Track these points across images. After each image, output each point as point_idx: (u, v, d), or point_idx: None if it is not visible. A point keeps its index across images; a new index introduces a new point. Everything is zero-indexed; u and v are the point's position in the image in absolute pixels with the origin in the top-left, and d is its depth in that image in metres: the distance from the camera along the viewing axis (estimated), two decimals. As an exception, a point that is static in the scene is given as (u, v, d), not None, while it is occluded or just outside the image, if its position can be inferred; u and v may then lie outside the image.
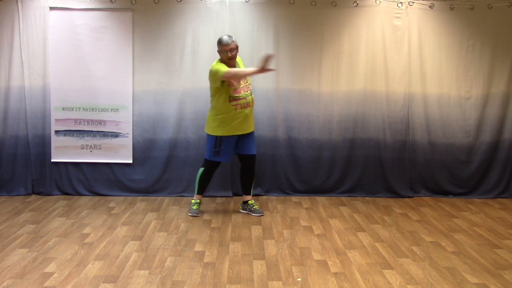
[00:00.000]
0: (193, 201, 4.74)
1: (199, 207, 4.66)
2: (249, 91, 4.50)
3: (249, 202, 4.72)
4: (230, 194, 5.27)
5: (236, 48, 4.40)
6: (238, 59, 4.57)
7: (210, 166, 4.65)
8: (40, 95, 5.14)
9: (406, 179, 5.36)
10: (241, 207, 4.78)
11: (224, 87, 4.37)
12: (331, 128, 5.31)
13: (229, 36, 4.40)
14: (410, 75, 5.29)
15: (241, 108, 4.43)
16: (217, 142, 4.51)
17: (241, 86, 4.44)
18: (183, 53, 5.16)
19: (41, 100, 5.15)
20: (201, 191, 4.73)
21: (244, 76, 4.43)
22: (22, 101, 5.14)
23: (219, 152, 4.54)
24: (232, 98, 4.40)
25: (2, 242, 3.83)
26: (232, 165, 5.17)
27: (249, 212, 4.69)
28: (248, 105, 4.47)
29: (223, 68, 4.30)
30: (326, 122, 5.30)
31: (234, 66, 4.43)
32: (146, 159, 5.27)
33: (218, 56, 4.66)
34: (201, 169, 4.68)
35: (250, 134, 4.62)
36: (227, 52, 4.35)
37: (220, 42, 4.38)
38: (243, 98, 4.43)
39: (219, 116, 4.47)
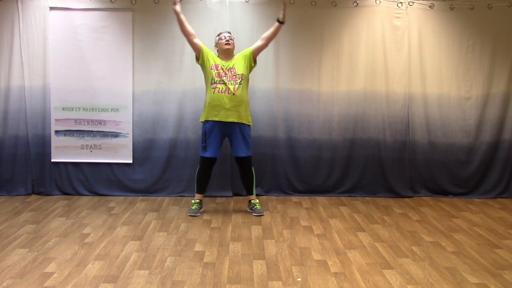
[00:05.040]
0: (193, 201, 4.74)
1: (198, 207, 4.66)
2: (232, 81, 4.49)
3: (252, 201, 4.73)
4: (230, 194, 5.27)
5: (230, 39, 4.60)
6: (237, 55, 4.62)
7: (202, 163, 4.66)
8: (40, 95, 5.14)
9: (406, 179, 5.36)
10: (248, 207, 4.81)
11: (206, 70, 4.56)
12: (331, 128, 5.31)
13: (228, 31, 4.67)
14: (410, 75, 5.29)
15: (219, 92, 4.47)
16: (203, 135, 4.59)
17: (221, 72, 4.50)
18: (183, 53, 5.16)
19: (41, 100, 5.15)
20: (199, 190, 4.74)
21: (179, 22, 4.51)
22: (22, 101, 5.14)
23: (206, 147, 4.58)
24: (213, 81, 4.51)
25: (2, 242, 3.83)
26: (232, 165, 5.18)
27: (250, 211, 4.70)
28: (228, 91, 4.47)
29: (204, 50, 4.60)
30: (326, 122, 5.31)
31: (230, 55, 4.60)
32: (146, 159, 5.27)
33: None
34: (198, 167, 4.72)
35: (239, 132, 4.55)
36: (225, 38, 4.56)
37: (218, 34, 4.68)
38: (223, 83, 4.48)
39: (205, 100, 4.61)
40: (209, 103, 4.53)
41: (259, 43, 4.62)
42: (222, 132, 4.59)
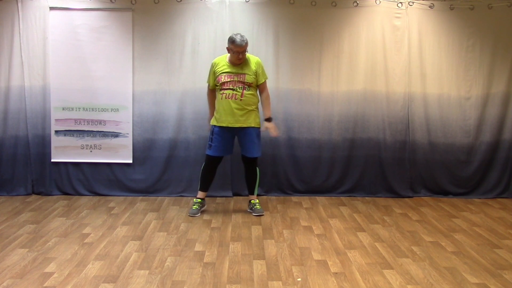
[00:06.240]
0: (194, 200, 4.74)
1: (199, 207, 4.66)
2: (240, 86, 4.46)
3: (252, 201, 4.74)
4: (230, 194, 5.27)
5: (243, 52, 4.43)
6: (256, 61, 4.56)
7: (206, 160, 4.67)
8: (40, 95, 5.14)
9: (406, 179, 5.36)
10: (248, 207, 4.81)
11: (216, 83, 4.57)
12: (331, 128, 5.31)
13: (242, 37, 4.39)
14: (410, 75, 5.29)
15: (226, 98, 4.46)
16: (211, 134, 4.61)
17: (228, 80, 4.46)
18: (183, 53, 5.16)
19: (41, 100, 5.15)
20: (202, 187, 4.73)
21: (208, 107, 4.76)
22: (22, 101, 5.14)
23: (211, 145, 4.59)
24: (222, 88, 4.50)
25: (2, 242, 3.83)
26: (232, 165, 5.18)
27: (250, 211, 4.70)
28: (234, 97, 4.46)
29: (210, 77, 4.61)
30: (326, 122, 5.31)
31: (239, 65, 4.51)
32: (146, 159, 5.27)
33: (218, 54, 4.68)
34: (203, 164, 4.74)
35: (247, 134, 4.55)
36: (238, 53, 4.40)
37: (233, 42, 4.37)
38: (230, 89, 4.46)
39: (216, 104, 4.61)
40: (218, 108, 4.55)
41: (260, 91, 4.65)
42: (231, 135, 4.59)
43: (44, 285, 3.11)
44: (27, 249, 3.68)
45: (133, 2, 5.10)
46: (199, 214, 4.62)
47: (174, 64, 5.17)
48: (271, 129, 4.63)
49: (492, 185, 5.43)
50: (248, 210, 4.75)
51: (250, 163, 4.67)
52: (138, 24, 5.13)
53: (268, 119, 4.61)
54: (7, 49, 5.11)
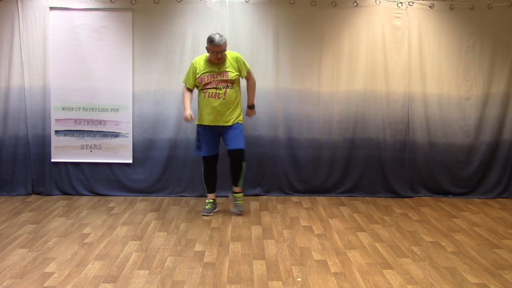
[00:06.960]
0: (206, 201, 4.76)
1: (211, 207, 4.67)
2: (224, 85, 4.44)
3: (235, 194, 4.72)
4: (230, 194, 5.26)
5: (222, 51, 4.39)
6: (234, 56, 4.53)
7: (204, 162, 4.68)
8: (40, 95, 5.14)
9: (406, 179, 5.36)
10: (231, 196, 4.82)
11: (197, 83, 4.55)
12: (331, 128, 5.31)
13: (220, 36, 4.36)
14: (410, 75, 5.29)
15: (209, 96, 4.46)
16: (197, 135, 4.63)
17: (211, 80, 4.45)
18: (183, 53, 5.16)
19: (41, 100, 5.15)
20: (208, 190, 4.76)
21: (183, 102, 4.60)
22: (22, 101, 5.14)
23: (200, 146, 4.61)
24: (204, 87, 4.49)
25: (2, 242, 3.83)
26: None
27: (233, 203, 4.71)
28: (217, 96, 4.44)
29: (189, 77, 4.55)
30: (326, 122, 5.31)
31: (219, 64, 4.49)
32: (146, 159, 5.27)
33: None
34: (202, 168, 4.74)
35: (231, 129, 4.52)
36: (217, 53, 4.38)
37: (211, 41, 4.35)
38: (213, 88, 4.45)
39: (198, 103, 4.63)
40: (200, 107, 4.56)
41: (247, 80, 4.65)
42: (215, 133, 4.59)
43: (44, 285, 3.11)
44: (27, 249, 3.68)
45: (133, 2, 5.10)
46: (212, 214, 4.63)
47: (174, 64, 5.17)
48: (251, 115, 4.76)
49: (492, 185, 5.43)
50: (231, 197, 4.76)
51: (236, 157, 4.59)
52: (138, 24, 5.13)
53: (251, 106, 4.69)
54: (7, 49, 5.11)
